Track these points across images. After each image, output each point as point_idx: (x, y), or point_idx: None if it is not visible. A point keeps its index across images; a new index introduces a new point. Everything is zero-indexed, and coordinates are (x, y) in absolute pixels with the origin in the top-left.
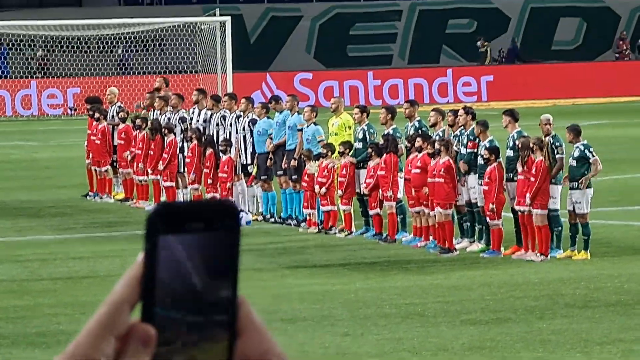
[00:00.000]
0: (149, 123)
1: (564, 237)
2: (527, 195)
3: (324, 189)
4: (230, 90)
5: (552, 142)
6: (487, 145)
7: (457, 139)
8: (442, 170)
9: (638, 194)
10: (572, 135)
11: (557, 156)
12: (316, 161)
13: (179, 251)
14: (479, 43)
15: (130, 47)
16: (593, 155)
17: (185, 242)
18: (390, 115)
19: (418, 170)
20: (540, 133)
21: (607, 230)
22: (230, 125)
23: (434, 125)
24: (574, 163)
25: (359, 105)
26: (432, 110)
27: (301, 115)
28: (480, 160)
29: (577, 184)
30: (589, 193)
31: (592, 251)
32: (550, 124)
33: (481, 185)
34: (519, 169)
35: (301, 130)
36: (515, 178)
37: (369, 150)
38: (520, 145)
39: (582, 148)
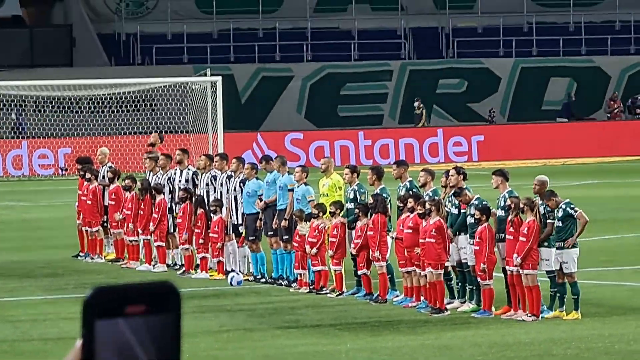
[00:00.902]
0: (138, 183)
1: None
2: (515, 255)
3: (314, 250)
4: (221, 149)
5: (567, 209)
6: (477, 205)
7: (448, 199)
8: (433, 230)
9: (629, 254)
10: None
11: (548, 220)
12: (307, 222)
13: (118, 335)
14: (415, 104)
15: (121, 107)
16: (576, 211)
17: (125, 326)
18: (376, 176)
19: (410, 231)
20: (530, 193)
21: (598, 290)
22: (222, 185)
23: (423, 185)
24: (560, 223)
25: (349, 166)
26: (422, 170)
27: (291, 175)
28: (470, 220)
29: (563, 243)
30: (575, 252)
31: (583, 311)
32: (545, 186)
33: (472, 244)
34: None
35: (292, 190)
36: (505, 238)
37: (356, 210)
38: (512, 205)
39: (564, 207)
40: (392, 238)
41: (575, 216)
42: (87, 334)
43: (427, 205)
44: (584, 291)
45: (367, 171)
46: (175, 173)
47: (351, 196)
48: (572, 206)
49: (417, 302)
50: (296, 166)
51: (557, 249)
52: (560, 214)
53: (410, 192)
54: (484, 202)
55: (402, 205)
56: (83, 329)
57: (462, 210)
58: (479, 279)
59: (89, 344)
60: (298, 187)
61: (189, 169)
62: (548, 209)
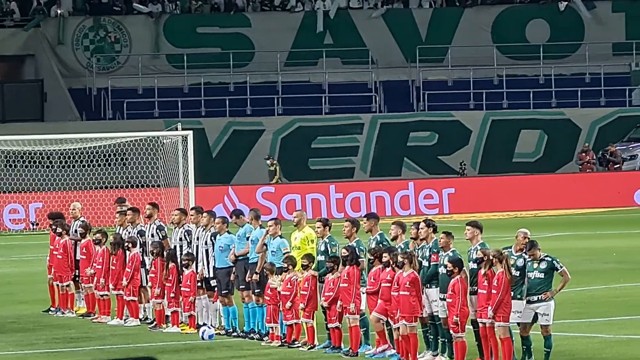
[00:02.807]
0: (110, 238)
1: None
2: (489, 307)
3: (289, 303)
4: (192, 203)
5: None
6: (451, 257)
7: (419, 252)
8: (407, 283)
9: (600, 306)
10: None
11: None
12: (279, 275)
13: None
14: (267, 161)
15: (92, 161)
16: (561, 266)
17: None
18: (355, 229)
19: (388, 284)
20: (500, 245)
21: (570, 342)
22: (197, 239)
23: (394, 238)
24: (542, 275)
25: (320, 219)
26: (393, 223)
27: (264, 229)
28: (442, 270)
29: (541, 296)
30: (552, 304)
31: None
32: (527, 238)
33: (443, 299)
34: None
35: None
36: (478, 291)
37: (327, 263)
38: (484, 258)
39: (550, 260)
40: (363, 294)
41: (559, 271)
42: None
43: (400, 258)
44: (555, 343)
45: (341, 223)
46: (145, 227)
47: (322, 249)
48: (557, 260)
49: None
50: (269, 219)
51: (535, 301)
52: (543, 266)
53: (381, 245)
54: (456, 255)
55: (372, 258)
56: None
57: (432, 263)
58: (451, 331)
59: None
60: (273, 240)
61: (154, 223)
62: (528, 259)
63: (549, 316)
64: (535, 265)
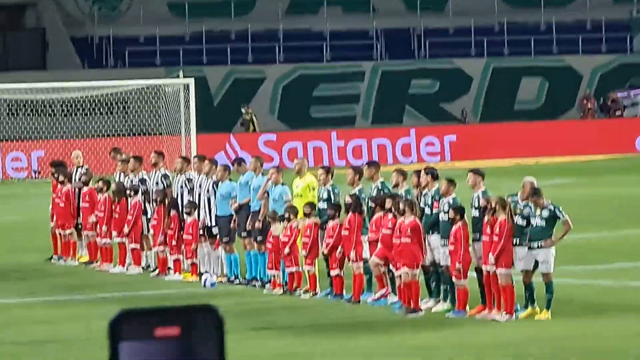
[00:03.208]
0: (113, 185)
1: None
2: (490, 254)
3: (287, 249)
4: (194, 151)
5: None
6: (452, 204)
7: (421, 199)
8: (409, 230)
9: (600, 253)
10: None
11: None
12: (281, 223)
13: (146, 358)
14: (243, 110)
15: (94, 109)
16: (564, 215)
17: (153, 349)
18: (357, 176)
19: (389, 231)
20: (502, 193)
21: (571, 289)
22: (200, 186)
23: (396, 185)
24: (543, 223)
25: (323, 166)
26: (394, 171)
27: (265, 176)
28: (443, 217)
29: (541, 243)
30: (552, 252)
31: (556, 310)
32: (534, 187)
33: (445, 245)
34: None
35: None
36: (481, 238)
37: (328, 210)
38: (488, 205)
39: (553, 208)
40: (366, 242)
41: (561, 220)
42: (112, 356)
43: (401, 205)
44: (556, 290)
45: (343, 171)
46: (148, 175)
47: (325, 196)
48: (560, 209)
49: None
50: (270, 167)
51: (536, 248)
52: (545, 214)
53: (382, 192)
54: (458, 202)
55: (374, 205)
56: (109, 351)
57: (434, 210)
58: (453, 278)
59: None
60: (274, 187)
61: (160, 171)
62: (532, 207)
63: (549, 264)
64: (538, 213)
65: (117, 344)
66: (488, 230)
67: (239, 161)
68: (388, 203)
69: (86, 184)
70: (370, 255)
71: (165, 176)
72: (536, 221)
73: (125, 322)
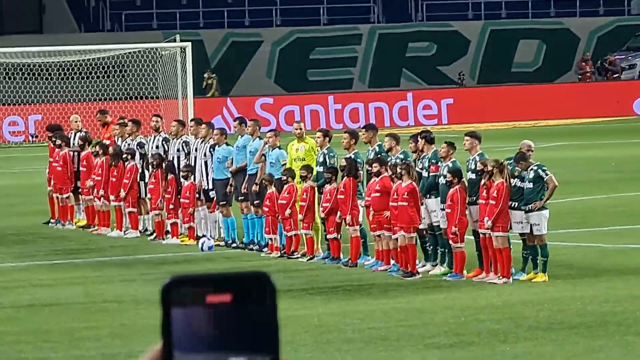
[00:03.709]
0: (110, 149)
1: (517, 260)
2: (486, 218)
3: (288, 210)
4: (191, 115)
5: (539, 171)
6: (450, 168)
7: (419, 163)
8: (406, 193)
9: (599, 215)
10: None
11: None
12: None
13: (198, 325)
14: (205, 75)
15: (91, 73)
16: (547, 174)
17: (206, 315)
18: (353, 140)
19: (378, 194)
20: (499, 155)
21: (569, 252)
22: (196, 150)
23: (389, 150)
24: (530, 185)
25: (321, 129)
26: (386, 135)
27: (263, 139)
28: (442, 181)
29: (531, 206)
30: (544, 214)
31: (554, 273)
32: (531, 151)
33: (443, 209)
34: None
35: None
36: (477, 201)
37: (325, 174)
38: (484, 168)
39: (536, 168)
40: (363, 207)
41: (545, 179)
42: (164, 322)
43: (399, 169)
44: (554, 253)
45: (342, 135)
46: (147, 139)
47: (321, 160)
48: (544, 168)
49: (388, 266)
50: (268, 131)
51: (526, 211)
52: (531, 175)
53: (378, 156)
54: (456, 165)
55: (371, 169)
56: (161, 317)
57: (432, 174)
58: (450, 242)
59: (166, 332)
60: (272, 151)
61: (160, 135)
62: (519, 171)
63: (540, 225)
64: (525, 175)
65: (169, 309)
66: (484, 194)
67: (242, 121)
68: (375, 167)
69: (83, 148)
70: (367, 219)
71: (166, 139)
72: (525, 184)
73: (176, 289)
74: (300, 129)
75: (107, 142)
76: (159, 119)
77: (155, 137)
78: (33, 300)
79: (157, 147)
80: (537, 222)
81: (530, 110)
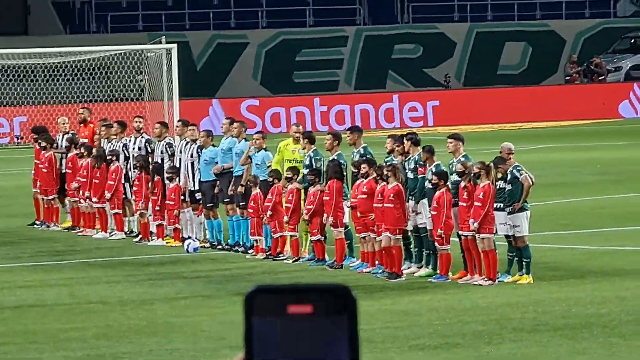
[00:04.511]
0: (93, 151)
1: (502, 261)
2: (471, 220)
3: (269, 212)
4: (177, 117)
5: (514, 171)
6: (435, 170)
7: (406, 164)
8: (392, 195)
9: (585, 217)
10: (427, 156)
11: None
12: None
13: (279, 335)
14: (139, 77)
15: (76, 75)
16: (521, 174)
17: (286, 326)
18: (337, 142)
19: (364, 196)
20: (484, 157)
21: (555, 253)
22: (181, 151)
23: (391, 152)
24: (510, 187)
25: (304, 132)
26: (389, 137)
27: (249, 141)
28: (428, 184)
29: (510, 208)
30: (524, 215)
31: (539, 275)
32: (512, 153)
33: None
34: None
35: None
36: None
37: (308, 176)
38: (465, 171)
39: (512, 169)
40: (348, 207)
41: (520, 179)
42: (246, 331)
43: (385, 171)
44: (539, 254)
45: (325, 137)
46: (129, 140)
47: (307, 162)
48: (518, 168)
49: (373, 268)
50: (254, 132)
51: (508, 213)
52: (509, 177)
53: (364, 158)
54: (442, 168)
55: (356, 171)
56: (244, 326)
57: (418, 176)
58: (436, 244)
59: (247, 341)
60: (257, 152)
61: (142, 137)
62: (520, 171)
63: (520, 227)
64: (504, 178)
65: (251, 318)
66: (465, 196)
67: (232, 120)
68: (364, 168)
69: (69, 149)
70: (352, 219)
71: (149, 141)
72: (504, 186)
73: (259, 298)
74: (300, 132)
75: (85, 140)
76: (141, 120)
77: (137, 138)
78: (19, 301)
79: (139, 148)
80: (517, 224)
81: (516, 112)
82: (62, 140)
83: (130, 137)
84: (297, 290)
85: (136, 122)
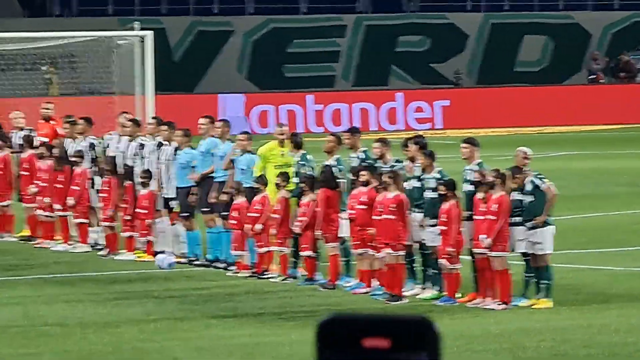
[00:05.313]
0: (54, 151)
1: (518, 283)
2: (483, 236)
3: (259, 225)
4: (151, 114)
5: (534, 180)
6: (441, 179)
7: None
8: (393, 205)
9: (610, 234)
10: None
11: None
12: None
13: None
14: (44, 68)
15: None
16: (544, 183)
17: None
18: (338, 145)
19: (363, 207)
20: (500, 165)
21: (576, 275)
22: (153, 152)
23: (380, 157)
24: (530, 198)
25: (291, 136)
26: (376, 141)
27: (233, 143)
28: (429, 195)
29: (531, 223)
30: (549, 231)
31: (559, 299)
32: (527, 158)
33: (435, 225)
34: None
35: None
36: (473, 216)
37: (300, 184)
38: (482, 180)
39: (532, 179)
40: (346, 219)
41: (542, 188)
42: None
43: (384, 178)
44: (559, 275)
45: (327, 137)
46: (97, 140)
47: (295, 169)
48: (540, 177)
49: (369, 289)
50: (239, 133)
51: (528, 228)
52: (529, 187)
53: (366, 163)
54: (447, 176)
55: (355, 178)
56: (315, 357)
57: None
58: (445, 262)
59: None
60: (242, 155)
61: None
62: (540, 178)
63: (543, 244)
64: (524, 189)
65: (323, 351)
66: (482, 208)
67: (212, 119)
68: (363, 176)
69: (23, 148)
70: (351, 233)
71: (142, 145)
72: (525, 197)
73: (332, 329)
74: (283, 133)
75: (46, 139)
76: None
77: (121, 137)
78: None
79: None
80: (540, 240)
81: (535, 114)
82: (17, 138)
83: (112, 135)
84: (374, 321)
85: (122, 118)
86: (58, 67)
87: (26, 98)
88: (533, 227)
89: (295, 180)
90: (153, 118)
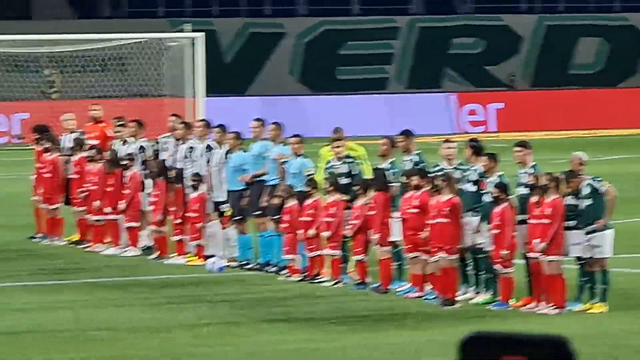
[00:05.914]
0: (104, 154)
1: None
2: (537, 240)
3: (312, 231)
4: (201, 117)
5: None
6: (496, 182)
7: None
8: (447, 209)
9: None
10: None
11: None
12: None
13: None
14: (46, 71)
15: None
16: (603, 185)
17: None
18: (393, 148)
19: (416, 210)
20: (554, 168)
21: (630, 279)
22: (201, 156)
23: (384, 155)
24: (589, 201)
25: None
26: (384, 138)
27: (287, 146)
28: (485, 198)
29: (593, 225)
30: (609, 235)
31: (613, 304)
32: (583, 165)
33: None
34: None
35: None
36: (528, 221)
37: (355, 187)
38: (536, 183)
39: (590, 182)
40: (396, 220)
41: (601, 191)
42: None
43: (437, 181)
44: (613, 280)
45: (381, 141)
46: (148, 142)
47: (344, 170)
48: (598, 179)
49: (422, 293)
50: (291, 136)
51: (587, 233)
52: (586, 190)
53: (418, 167)
54: (504, 179)
55: (407, 181)
56: None
57: (481, 190)
58: (497, 266)
59: None
60: (294, 159)
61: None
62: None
63: (602, 248)
64: (580, 193)
65: None
66: (536, 212)
67: (262, 121)
68: (415, 180)
69: (74, 151)
70: (404, 237)
71: (191, 149)
72: (582, 202)
73: (473, 345)
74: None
75: (96, 141)
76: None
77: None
78: (14, 326)
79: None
80: (599, 244)
81: (589, 117)
82: (67, 141)
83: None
84: (512, 340)
85: (170, 121)
86: (57, 70)
87: (77, 100)
88: (592, 231)
89: (344, 181)
90: (201, 120)
